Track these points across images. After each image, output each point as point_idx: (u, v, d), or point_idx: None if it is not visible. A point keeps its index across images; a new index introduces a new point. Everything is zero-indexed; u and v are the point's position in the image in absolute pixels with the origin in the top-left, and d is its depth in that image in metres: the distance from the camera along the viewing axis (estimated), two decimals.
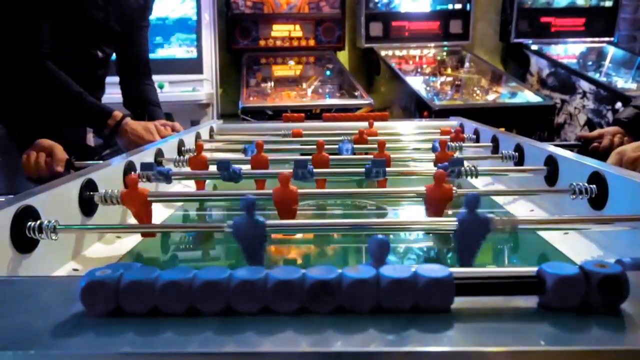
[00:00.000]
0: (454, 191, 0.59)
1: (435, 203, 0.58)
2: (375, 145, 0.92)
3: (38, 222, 0.51)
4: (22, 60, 1.18)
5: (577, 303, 0.27)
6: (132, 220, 0.77)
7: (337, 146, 1.01)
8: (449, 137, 1.11)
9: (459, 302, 0.28)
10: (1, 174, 1.28)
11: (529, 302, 0.28)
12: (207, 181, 0.97)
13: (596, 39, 3.18)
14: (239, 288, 0.27)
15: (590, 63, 2.98)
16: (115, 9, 1.34)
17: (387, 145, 1.01)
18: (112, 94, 1.55)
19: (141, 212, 0.62)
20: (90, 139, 1.39)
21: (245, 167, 0.84)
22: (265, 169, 0.84)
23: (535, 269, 0.28)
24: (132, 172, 0.79)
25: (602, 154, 1.15)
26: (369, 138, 1.08)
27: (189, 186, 0.98)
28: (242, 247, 0.46)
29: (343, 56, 3.16)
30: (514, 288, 0.28)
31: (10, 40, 1.18)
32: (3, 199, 0.51)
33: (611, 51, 3.12)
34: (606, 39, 3.19)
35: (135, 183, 0.61)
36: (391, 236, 0.73)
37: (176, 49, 2.82)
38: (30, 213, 0.51)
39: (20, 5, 1.17)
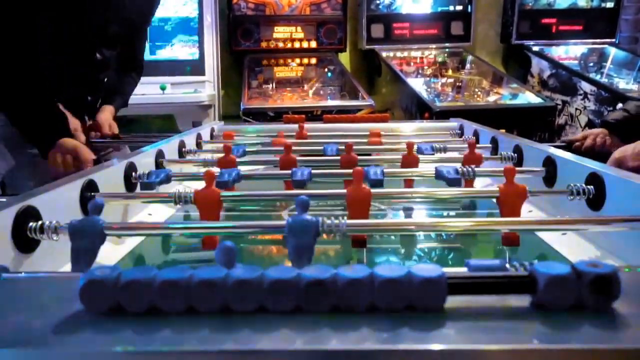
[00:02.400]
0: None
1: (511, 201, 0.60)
2: (374, 147, 0.93)
3: (39, 222, 0.51)
4: (16, 60, 1.17)
5: (569, 302, 0.27)
6: (131, 221, 0.77)
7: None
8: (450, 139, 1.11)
9: (452, 301, 0.28)
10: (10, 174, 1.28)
11: (522, 301, 0.29)
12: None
13: (597, 40, 3.18)
14: (235, 287, 0.27)
15: (591, 64, 2.98)
16: (117, 13, 1.35)
17: (388, 147, 1.02)
18: None
19: (210, 212, 0.62)
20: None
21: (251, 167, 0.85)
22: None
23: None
24: (133, 173, 0.79)
25: (585, 154, 1.15)
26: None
27: (189, 187, 0.98)
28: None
29: (344, 58, 3.17)
30: (507, 287, 0.29)
31: (5, 39, 1.17)
32: (4, 199, 0.52)
33: (612, 52, 3.11)
34: (607, 40, 3.18)
35: (212, 180, 0.62)
36: (392, 237, 0.74)
37: (178, 51, 2.83)
38: (32, 213, 0.52)
39: (18, 6, 1.16)
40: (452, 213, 0.88)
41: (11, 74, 1.16)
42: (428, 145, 0.98)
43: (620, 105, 2.31)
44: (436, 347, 0.25)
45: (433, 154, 0.95)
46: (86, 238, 0.49)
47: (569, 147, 1.25)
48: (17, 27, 1.15)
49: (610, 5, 3.17)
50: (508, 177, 0.62)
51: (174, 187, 0.96)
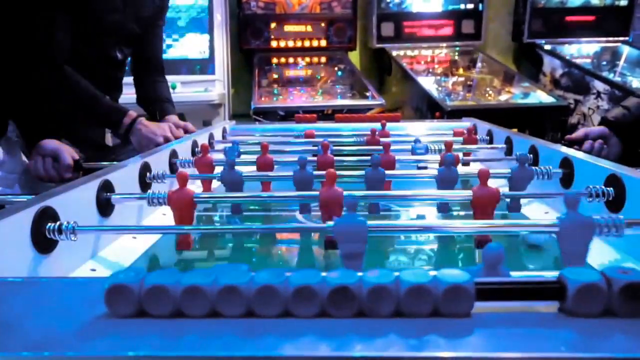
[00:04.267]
0: (501, 194, 0.59)
1: (482, 206, 0.58)
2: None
3: (57, 223, 0.51)
4: (40, 66, 1.19)
5: (599, 309, 0.27)
6: (146, 221, 0.78)
7: (346, 148, 1.02)
8: (462, 138, 1.10)
9: (479, 307, 0.28)
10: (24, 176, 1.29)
11: (550, 307, 0.28)
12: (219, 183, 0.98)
13: (611, 39, 3.14)
14: (260, 292, 0.27)
15: (604, 63, 2.94)
16: (133, 11, 1.36)
17: (397, 147, 1.01)
18: (127, 94, 1.57)
19: (184, 214, 0.61)
20: (109, 139, 1.40)
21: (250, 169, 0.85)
22: (270, 171, 0.85)
23: (556, 274, 0.28)
24: (148, 174, 0.80)
25: None
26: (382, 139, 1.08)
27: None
28: (342, 252, 0.45)
29: (354, 56, 3.15)
30: (535, 293, 0.28)
31: (27, 46, 1.19)
32: (25, 199, 0.52)
33: (626, 51, 3.07)
34: (621, 38, 3.15)
35: (185, 181, 0.61)
36: (402, 237, 0.73)
37: (188, 50, 2.83)
38: (49, 214, 0.52)
39: (36, 10, 1.18)
40: (462, 214, 0.88)
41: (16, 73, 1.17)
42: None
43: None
44: (463, 354, 0.24)
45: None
46: (353, 240, 0.45)
47: (568, 146, 1.22)
48: (35, 28, 1.16)
49: (623, 3, 3.13)
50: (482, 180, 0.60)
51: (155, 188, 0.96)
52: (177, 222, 0.62)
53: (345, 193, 0.57)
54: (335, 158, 0.86)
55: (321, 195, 0.58)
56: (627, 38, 3.14)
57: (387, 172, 0.82)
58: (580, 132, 1.24)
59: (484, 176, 0.59)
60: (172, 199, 0.61)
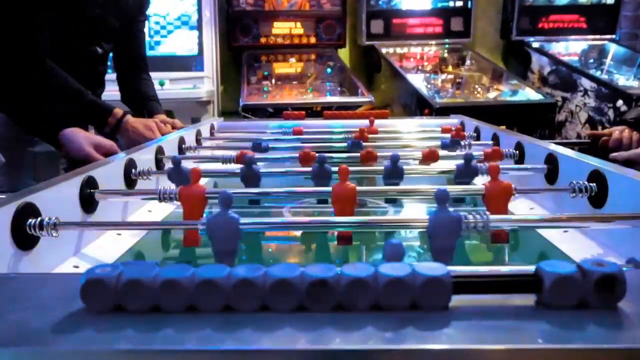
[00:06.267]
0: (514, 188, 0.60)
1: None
2: (375, 143, 0.93)
3: (39, 219, 0.51)
4: (21, 59, 1.18)
5: (575, 301, 0.27)
6: (131, 218, 0.77)
7: (337, 145, 1.03)
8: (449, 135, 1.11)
9: (457, 300, 0.28)
10: (4, 172, 1.27)
11: (527, 300, 0.28)
12: (207, 179, 0.98)
13: (597, 37, 3.17)
14: (238, 286, 0.27)
15: (591, 61, 2.97)
16: (114, 5, 1.34)
17: (388, 143, 1.02)
18: (111, 90, 1.55)
19: (194, 210, 0.60)
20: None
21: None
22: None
23: (533, 267, 0.29)
24: (133, 170, 0.79)
25: (611, 150, 1.14)
26: (370, 136, 1.09)
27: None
28: (215, 246, 0.46)
29: (344, 54, 3.15)
30: (512, 286, 0.28)
31: (8, 39, 1.17)
32: (4, 196, 0.52)
33: (612, 49, 3.11)
34: (607, 36, 3.18)
35: (198, 177, 0.60)
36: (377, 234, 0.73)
37: (177, 46, 2.82)
38: (31, 210, 0.52)
39: (17, 4, 1.16)
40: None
41: (14, 70, 1.16)
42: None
43: (619, 102, 2.30)
44: (440, 346, 0.25)
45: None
46: (225, 237, 0.46)
47: (595, 142, 1.23)
48: (19, 25, 1.15)
49: (610, 1, 3.16)
50: (493, 175, 0.61)
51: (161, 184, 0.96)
52: (186, 217, 0.61)
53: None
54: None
55: None
56: (613, 36, 3.18)
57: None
58: (605, 131, 1.25)
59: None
60: (183, 194, 0.60)
